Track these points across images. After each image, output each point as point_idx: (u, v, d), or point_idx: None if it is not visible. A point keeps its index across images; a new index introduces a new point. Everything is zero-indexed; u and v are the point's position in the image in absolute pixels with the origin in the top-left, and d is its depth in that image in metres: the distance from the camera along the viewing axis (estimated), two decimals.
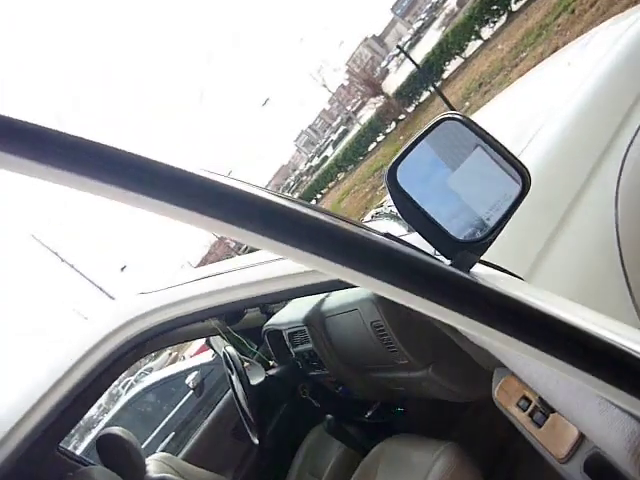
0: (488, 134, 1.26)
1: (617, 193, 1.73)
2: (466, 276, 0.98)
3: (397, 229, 1.90)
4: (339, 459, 2.61)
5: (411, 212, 1.34)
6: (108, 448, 2.33)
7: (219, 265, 1.76)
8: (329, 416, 2.56)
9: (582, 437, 1.07)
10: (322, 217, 0.71)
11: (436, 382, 1.88)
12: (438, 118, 1.29)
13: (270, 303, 2.24)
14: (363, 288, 1.86)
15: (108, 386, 2.13)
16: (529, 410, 1.23)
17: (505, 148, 1.30)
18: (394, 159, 1.33)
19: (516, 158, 1.29)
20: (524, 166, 1.26)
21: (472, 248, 1.34)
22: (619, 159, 1.76)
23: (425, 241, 1.40)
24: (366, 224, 1.98)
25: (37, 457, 1.57)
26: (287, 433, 3.05)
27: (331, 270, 0.70)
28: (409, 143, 1.33)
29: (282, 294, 1.62)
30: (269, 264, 1.60)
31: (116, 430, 2.47)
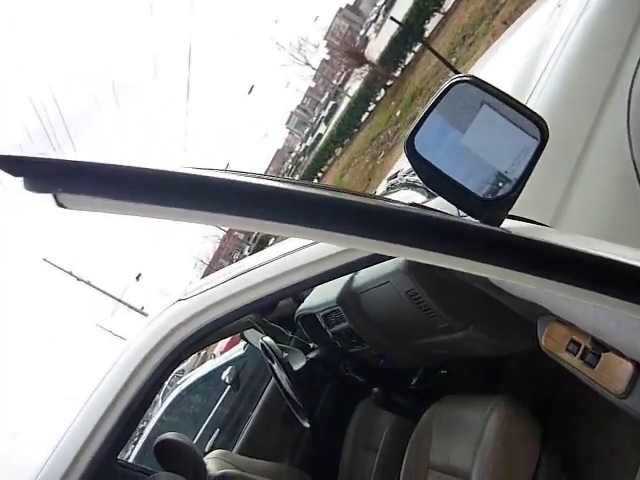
0: (501, 91, 1.28)
1: (628, 126, 1.73)
2: (506, 231, 0.99)
3: (416, 197, 1.92)
4: (392, 429, 2.65)
5: (434, 179, 1.36)
6: (166, 454, 2.37)
7: (245, 262, 1.78)
8: (376, 389, 2.59)
9: (638, 371, 1.09)
10: (353, 199, 0.72)
11: (479, 340, 1.90)
12: (448, 83, 1.31)
13: (304, 290, 2.26)
14: (391, 260, 1.88)
15: (155, 395, 2.17)
16: (580, 353, 1.25)
17: (519, 102, 1.31)
18: (410, 130, 1.34)
19: (531, 110, 1.30)
20: (540, 117, 1.27)
21: (499, 205, 1.36)
22: (625, 92, 1.76)
23: (451, 204, 1.42)
24: (388, 197, 1.99)
25: (102, 475, 1.61)
26: (335, 412, 3.10)
27: (378, 248, 0.72)
28: (423, 112, 1.34)
29: (314, 280, 1.64)
30: (295, 253, 1.63)
31: (171, 435, 2.51)
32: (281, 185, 0.59)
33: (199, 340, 1.67)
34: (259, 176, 0.85)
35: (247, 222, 0.56)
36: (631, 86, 1.75)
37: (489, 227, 0.77)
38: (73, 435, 1.54)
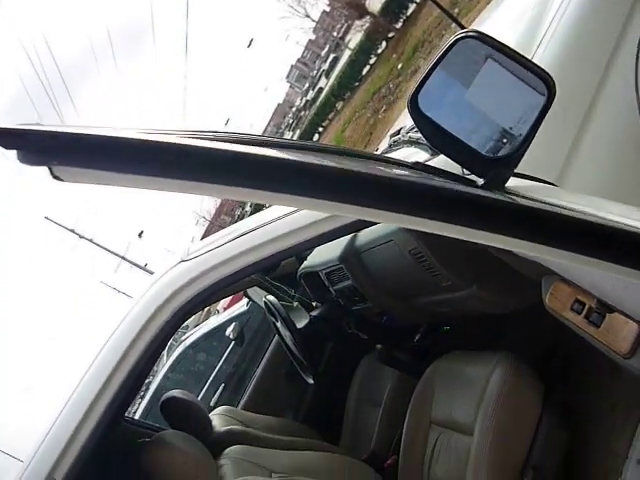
0: (506, 46, 1.25)
1: (637, 80, 1.70)
2: (505, 198, 0.96)
3: (419, 155, 1.90)
4: (395, 385, 2.68)
5: (438, 137, 1.34)
6: (173, 411, 2.41)
7: (247, 222, 1.77)
8: (379, 346, 2.61)
9: None
10: (351, 167, 0.70)
11: (482, 298, 1.90)
12: (452, 40, 1.28)
13: (307, 250, 2.26)
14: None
15: (160, 354, 2.19)
16: (584, 312, 1.25)
17: (525, 57, 1.28)
18: (414, 88, 1.32)
19: (537, 66, 1.27)
20: (547, 73, 1.24)
21: (504, 163, 1.34)
22: (634, 46, 1.72)
23: (455, 163, 1.40)
24: (390, 155, 1.97)
25: (110, 432, 1.64)
26: (339, 368, 3.13)
27: (380, 218, 0.70)
28: (426, 69, 1.31)
29: (317, 239, 1.64)
30: (296, 213, 1.61)
31: (176, 393, 2.54)
32: (281, 155, 0.57)
33: (202, 301, 1.68)
34: (259, 141, 0.83)
35: (242, 192, 0.55)
36: None
37: (483, 193, 0.74)
38: (81, 393, 1.57)
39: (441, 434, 2.16)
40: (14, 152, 0.47)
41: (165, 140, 0.52)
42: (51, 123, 0.55)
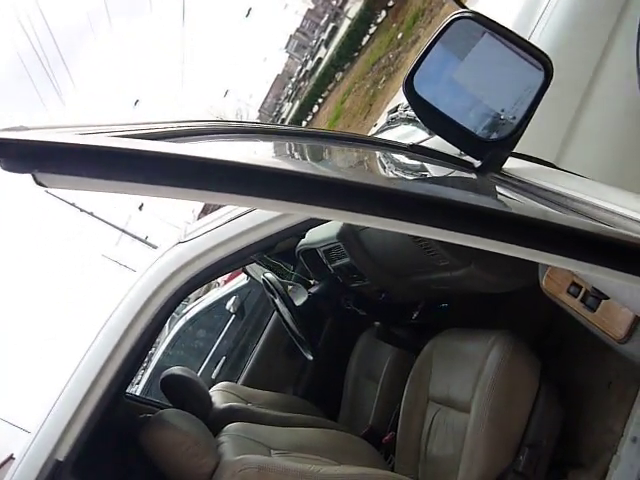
0: (503, 28, 1.23)
1: (638, 59, 1.68)
2: (489, 206, 0.92)
3: (416, 134, 1.88)
4: (393, 361, 2.69)
5: (434, 120, 1.33)
6: (173, 389, 2.43)
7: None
8: (377, 323, 2.62)
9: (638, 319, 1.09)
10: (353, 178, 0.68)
11: (480, 277, 1.90)
12: (447, 21, 1.26)
13: (307, 230, 2.25)
14: None
15: (159, 332, 2.20)
16: (580, 296, 1.25)
17: (521, 38, 1.27)
18: (409, 69, 1.31)
19: (535, 47, 1.26)
20: (544, 53, 1.23)
21: (501, 145, 1.33)
22: (634, 25, 1.70)
23: (451, 145, 1.39)
24: (385, 134, 1.96)
25: (112, 409, 1.66)
26: (337, 344, 3.15)
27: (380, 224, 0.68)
28: (422, 51, 1.30)
29: (317, 219, 1.63)
30: None
31: (176, 370, 2.56)
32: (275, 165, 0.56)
33: (200, 282, 1.69)
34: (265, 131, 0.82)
35: (228, 197, 0.55)
36: None
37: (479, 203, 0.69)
38: (84, 371, 1.58)
39: (438, 411, 2.18)
40: None
41: (125, 146, 0.53)
42: (36, 125, 0.55)
